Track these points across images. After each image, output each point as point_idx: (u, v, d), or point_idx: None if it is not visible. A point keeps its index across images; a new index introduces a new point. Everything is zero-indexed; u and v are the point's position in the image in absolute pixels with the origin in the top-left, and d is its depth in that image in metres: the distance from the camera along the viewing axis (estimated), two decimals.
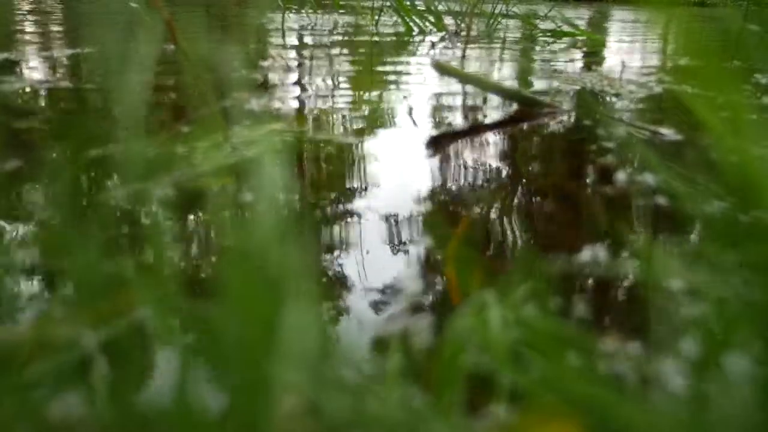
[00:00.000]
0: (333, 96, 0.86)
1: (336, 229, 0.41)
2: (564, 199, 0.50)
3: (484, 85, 0.85)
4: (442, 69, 0.86)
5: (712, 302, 0.23)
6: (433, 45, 1.60)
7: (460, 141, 0.66)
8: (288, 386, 0.15)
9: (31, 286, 0.31)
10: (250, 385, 0.15)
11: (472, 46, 1.57)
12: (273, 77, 0.99)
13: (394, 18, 2.19)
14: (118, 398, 0.19)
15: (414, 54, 1.39)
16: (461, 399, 0.21)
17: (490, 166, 0.57)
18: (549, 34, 2.09)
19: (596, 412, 0.18)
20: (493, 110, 0.83)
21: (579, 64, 1.36)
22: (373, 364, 0.26)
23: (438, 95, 0.90)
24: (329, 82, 0.97)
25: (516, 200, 0.48)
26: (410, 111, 0.78)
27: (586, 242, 0.40)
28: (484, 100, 0.88)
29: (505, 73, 1.16)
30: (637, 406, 0.18)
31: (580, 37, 2.00)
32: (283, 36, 1.66)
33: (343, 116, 0.74)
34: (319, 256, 0.37)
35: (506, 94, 0.84)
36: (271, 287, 0.16)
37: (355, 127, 0.69)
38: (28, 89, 0.81)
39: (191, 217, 0.41)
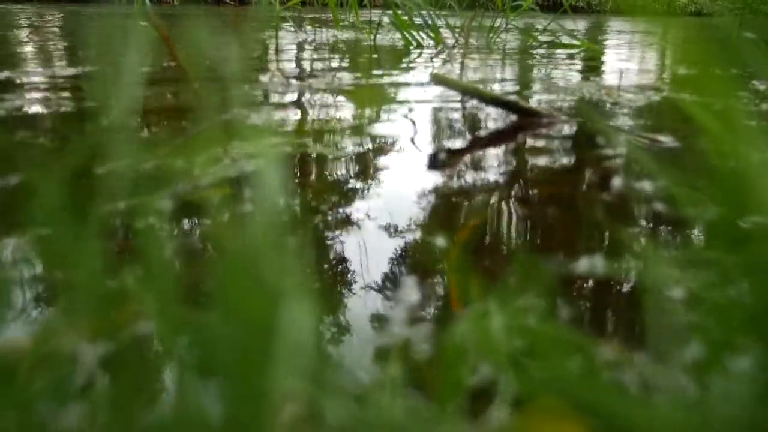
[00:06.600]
0: (332, 109, 0.86)
1: (335, 238, 0.41)
2: (564, 207, 0.50)
3: (483, 96, 0.86)
4: (441, 81, 0.86)
5: (711, 306, 0.23)
6: (431, 58, 1.61)
7: (460, 151, 0.67)
8: (287, 393, 0.15)
9: (32, 298, 0.31)
10: (248, 393, 0.15)
11: (471, 58, 1.58)
12: (272, 91, 0.99)
13: (391, 32, 2.20)
14: (120, 410, 0.19)
15: (412, 67, 1.40)
16: (463, 404, 0.21)
17: (490, 175, 0.57)
18: (547, 45, 2.11)
19: (599, 413, 0.18)
20: (493, 121, 0.83)
21: (577, 75, 1.37)
22: (373, 371, 0.26)
23: (437, 106, 0.90)
24: (328, 95, 0.98)
25: (516, 208, 0.48)
26: (410, 121, 0.78)
27: (587, 249, 0.40)
28: (484, 111, 0.88)
29: (503, 84, 1.16)
30: (639, 406, 0.18)
31: (578, 48, 2.01)
32: (277, 51, 1.67)
33: (343, 129, 0.74)
34: (317, 264, 0.37)
35: (505, 105, 0.84)
36: (268, 295, 0.16)
37: (354, 139, 0.69)
38: (29, 107, 0.81)
39: (191, 228, 0.41)
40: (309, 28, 2.54)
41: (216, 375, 0.16)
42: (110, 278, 0.19)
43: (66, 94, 0.92)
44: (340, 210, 0.47)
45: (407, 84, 1.11)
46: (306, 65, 1.38)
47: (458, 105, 0.93)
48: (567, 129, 0.78)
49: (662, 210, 0.47)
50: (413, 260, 0.38)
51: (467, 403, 0.23)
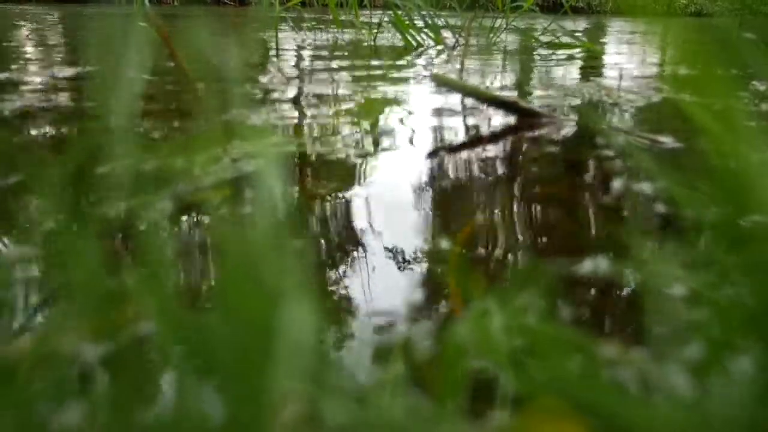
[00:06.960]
0: (332, 109, 0.86)
1: (335, 237, 0.41)
2: (564, 207, 0.50)
3: (483, 96, 0.86)
4: (441, 81, 0.86)
5: (712, 306, 0.23)
6: (432, 58, 1.61)
7: (459, 152, 0.67)
8: (287, 393, 0.15)
9: (32, 298, 0.31)
10: (248, 393, 0.15)
11: (471, 58, 1.58)
12: (272, 92, 0.99)
13: (392, 33, 2.20)
14: (120, 411, 0.19)
15: (412, 67, 1.40)
16: (464, 404, 0.21)
17: (489, 177, 0.57)
18: (547, 45, 2.11)
19: (599, 413, 0.18)
20: (492, 121, 0.83)
21: (577, 75, 1.37)
22: (374, 371, 0.26)
23: (437, 107, 0.90)
24: (328, 96, 0.98)
25: (516, 209, 0.48)
26: (410, 123, 0.78)
27: (587, 250, 0.40)
28: (483, 112, 0.88)
29: (503, 85, 1.16)
30: (640, 406, 0.18)
31: (578, 49, 2.01)
32: (277, 52, 1.68)
33: (342, 129, 0.74)
34: (318, 265, 0.37)
35: (504, 105, 0.84)
36: (268, 295, 0.16)
37: (354, 140, 0.69)
38: (29, 107, 0.81)
39: (191, 229, 0.41)
40: (309, 28, 2.54)
41: (216, 375, 0.17)
42: (110, 279, 0.19)
43: (66, 94, 0.92)
44: (338, 208, 0.47)
45: (406, 84, 1.11)
46: (306, 66, 1.38)
47: (458, 106, 0.93)
48: (567, 129, 0.78)
49: (662, 210, 0.47)
50: (412, 259, 0.38)
51: (467, 402, 0.23)
